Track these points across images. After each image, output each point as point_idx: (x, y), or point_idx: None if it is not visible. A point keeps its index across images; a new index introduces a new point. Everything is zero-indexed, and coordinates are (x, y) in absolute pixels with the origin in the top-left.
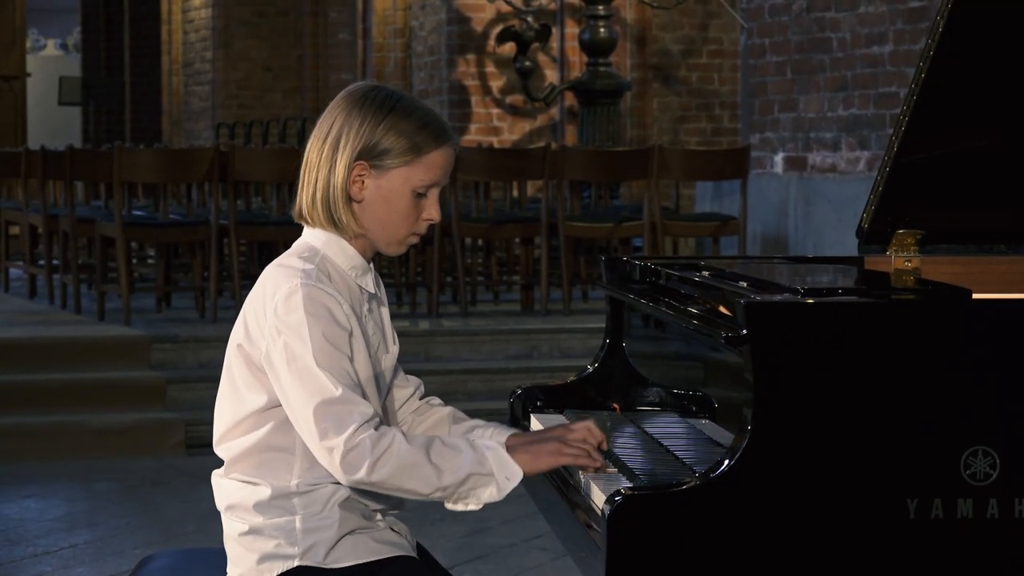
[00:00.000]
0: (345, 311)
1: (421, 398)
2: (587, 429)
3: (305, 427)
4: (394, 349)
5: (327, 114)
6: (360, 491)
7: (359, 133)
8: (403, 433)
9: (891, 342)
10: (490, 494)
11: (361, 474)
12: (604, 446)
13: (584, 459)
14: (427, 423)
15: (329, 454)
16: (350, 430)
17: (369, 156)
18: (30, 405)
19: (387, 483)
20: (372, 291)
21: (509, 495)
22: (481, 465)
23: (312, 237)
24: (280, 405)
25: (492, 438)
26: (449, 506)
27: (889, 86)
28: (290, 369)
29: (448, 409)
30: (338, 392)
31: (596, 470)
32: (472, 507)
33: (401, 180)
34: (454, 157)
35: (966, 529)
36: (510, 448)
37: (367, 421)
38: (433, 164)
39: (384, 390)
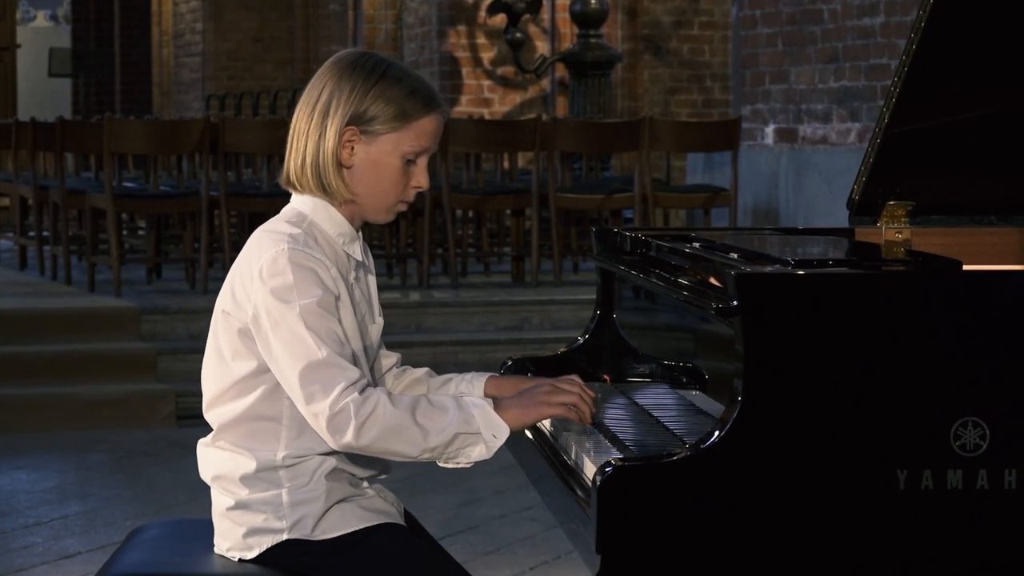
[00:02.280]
0: (332, 274)
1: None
2: (572, 382)
3: (293, 391)
4: (380, 320)
5: (315, 81)
6: (347, 459)
7: (349, 99)
8: (388, 395)
9: (881, 313)
10: (479, 452)
11: (348, 438)
12: (592, 394)
13: (572, 412)
14: (403, 383)
15: (315, 419)
16: (335, 394)
17: (359, 122)
18: (20, 377)
19: (374, 447)
20: (360, 259)
21: (499, 464)
22: (467, 424)
23: (300, 203)
24: (268, 371)
25: (471, 383)
26: (440, 464)
27: (880, 58)
28: (276, 333)
29: (423, 369)
30: (322, 355)
31: (584, 422)
32: (463, 465)
33: (391, 146)
34: (443, 124)
35: (956, 500)
36: (498, 404)
37: (352, 384)
38: (422, 131)
39: (372, 359)
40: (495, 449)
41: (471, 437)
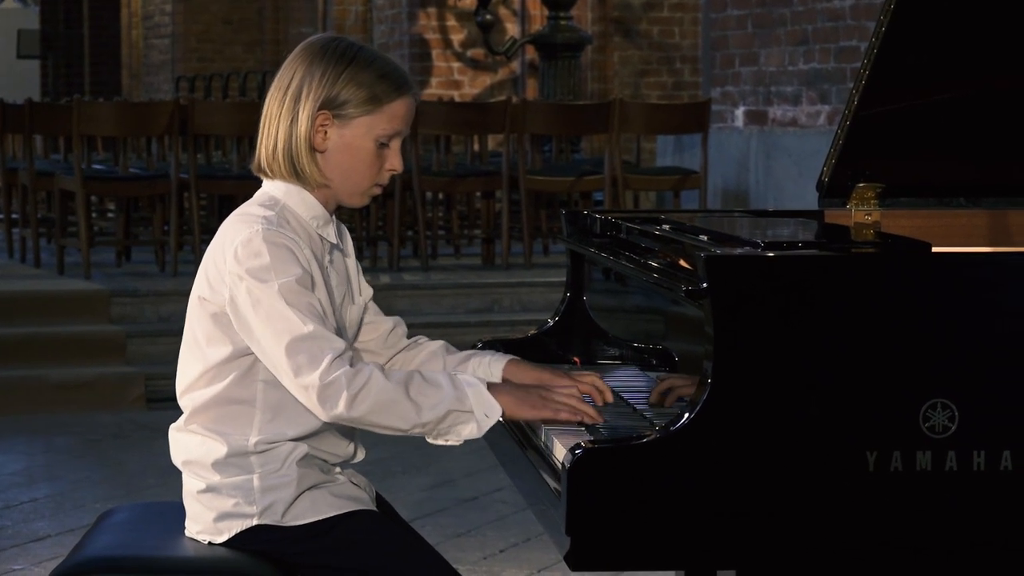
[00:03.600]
0: (306, 255)
1: (408, 338)
2: (592, 384)
3: (279, 368)
4: (359, 300)
5: (287, 66)
6: (318, 445)
7: (320, 84)
8: (381, 369)
9: (851, 295)
10: (470, 431)
11: (340, 409)
12: (609, 398)
13: (566, 414)
14: (418, 359)
15: (305, 391)
16: (324, 365)
17: (331, 106)
18: None
19: (366, 419)
20: (334, 241)
21: (471, 446)
22: (461, 402)
23: (272, 188)
24: (243, 356)
25: (490, 366)
26: (430, 440)
27: (850, 40)
28: (256, 312)
29: (439, 342)
30: (308, 328)
31: (582, 423)
32: (453, 442)
33: (364, 130)
34: (415, 107)
35: (925, 482)
36: (493, 388)
37: (340, 356)
38: (394, 114)
39: (351, 340)
40: (486, 428)
41: (463, 415)
